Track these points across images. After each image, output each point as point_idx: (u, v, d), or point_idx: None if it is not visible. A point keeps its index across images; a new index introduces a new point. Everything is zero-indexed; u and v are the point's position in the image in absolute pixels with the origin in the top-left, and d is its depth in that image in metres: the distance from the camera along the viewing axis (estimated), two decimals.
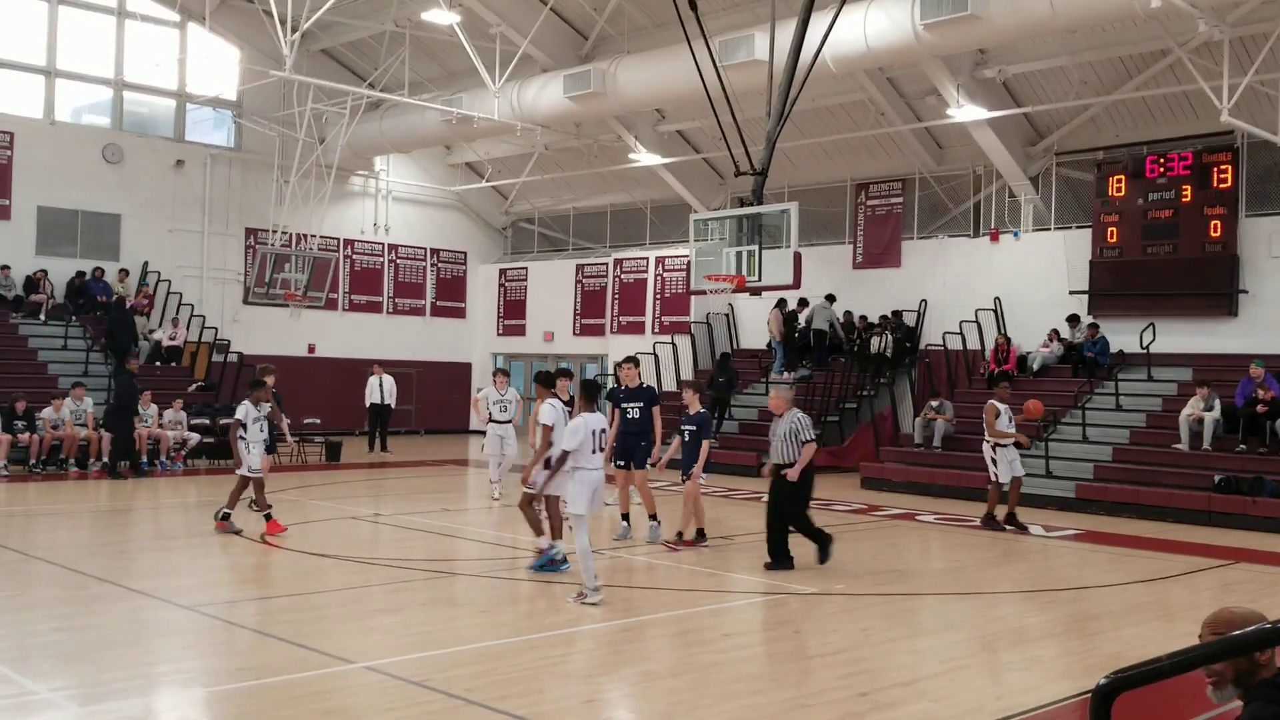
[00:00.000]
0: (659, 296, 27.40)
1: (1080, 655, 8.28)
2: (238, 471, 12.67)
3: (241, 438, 12.37)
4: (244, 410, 12.43)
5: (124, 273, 24.67)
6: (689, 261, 15.32)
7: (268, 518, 12.46)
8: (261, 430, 12.70)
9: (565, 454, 9.15)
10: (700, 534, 12.41)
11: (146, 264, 25.26)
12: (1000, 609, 10.10)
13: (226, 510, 12.63)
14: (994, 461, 14.42)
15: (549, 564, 10.49)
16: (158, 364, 23.37)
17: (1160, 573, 11.83)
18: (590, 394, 9.52)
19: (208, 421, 21.45)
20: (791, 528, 11.17)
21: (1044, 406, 15.47)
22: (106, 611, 8.75)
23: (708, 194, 26.72)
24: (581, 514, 9.14)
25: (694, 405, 12.48)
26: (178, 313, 24.77)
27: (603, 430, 9.46)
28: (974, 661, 8.02)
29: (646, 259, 27.82)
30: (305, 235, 25.83)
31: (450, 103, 23.77)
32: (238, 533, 12.27)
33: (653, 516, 12.57)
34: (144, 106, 26.34)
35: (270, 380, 13.11)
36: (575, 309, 29.38)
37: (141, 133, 25.85)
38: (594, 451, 9.20)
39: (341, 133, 25.23)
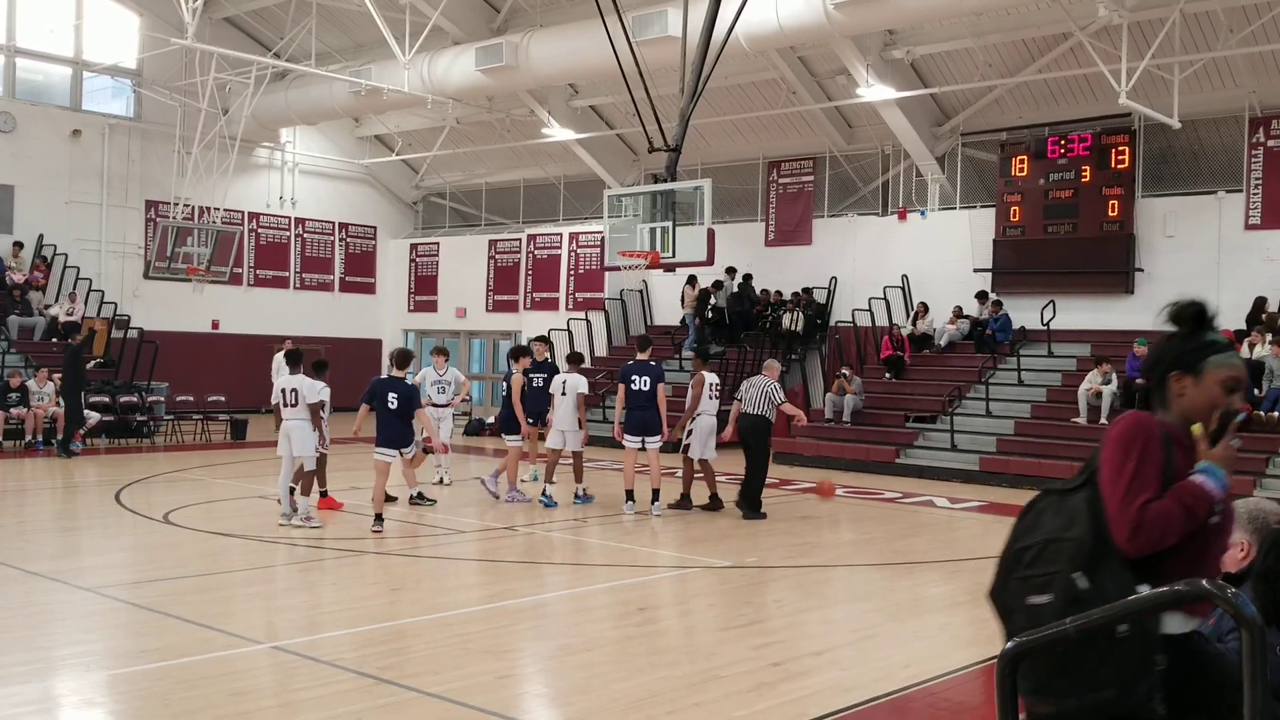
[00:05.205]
0: (573, 273, 27.29)
1: (986, 623, 8.42)
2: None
3: (323, 418, 12.20)
4: (326, 391, 12.14)
5: (18, 246, 23.83)
6: (603, 237, 15.24)
7: (324, 494, 12.72)
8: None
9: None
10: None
11: (41, 237, 24.44)
12: (908, 579, 10.31)
13: (322, 490, 12.67)
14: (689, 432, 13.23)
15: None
16: (54, 340, 22.64)
17: None
18: (292, 360, 12.02)
19: (108, 400, 20.86)
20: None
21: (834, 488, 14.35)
22: (2, 594, 8.47)
23: (621, 170, 26.66)
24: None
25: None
26: (75, 288, 24.02)
27: (293, 390, 11.70)
28: (883, 631, 8.17)
29: (560, 235, 27.68)
30: (208, 208, 25.18)
31: (358, 74, 23.31)
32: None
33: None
34: (38, 74, 25.39)
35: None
36: (488, 285, 29.14)
37: (35, 101, 24.94)
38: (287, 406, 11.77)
39: (245, 103, 24.60)
